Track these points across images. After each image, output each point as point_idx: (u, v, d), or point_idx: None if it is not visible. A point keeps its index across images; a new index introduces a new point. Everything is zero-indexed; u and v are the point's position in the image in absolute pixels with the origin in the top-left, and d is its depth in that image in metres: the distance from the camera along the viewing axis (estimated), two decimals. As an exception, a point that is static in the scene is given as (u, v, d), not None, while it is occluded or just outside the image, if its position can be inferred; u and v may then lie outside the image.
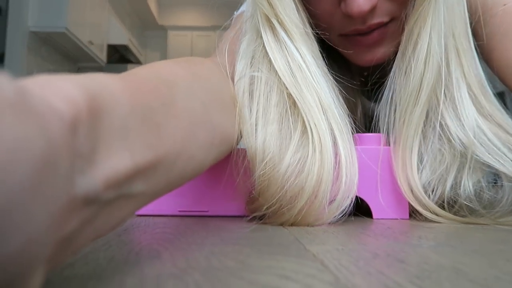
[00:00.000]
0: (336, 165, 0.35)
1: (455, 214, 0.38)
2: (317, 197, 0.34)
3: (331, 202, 0.35)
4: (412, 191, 0.38)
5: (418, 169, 0.38)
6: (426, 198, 0.38)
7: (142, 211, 0.42)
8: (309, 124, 0.36)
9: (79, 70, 3.82)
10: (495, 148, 0.38)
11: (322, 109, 0.36)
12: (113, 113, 0.16)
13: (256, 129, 0.37)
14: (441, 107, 0.39)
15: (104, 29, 3.87)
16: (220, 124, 0.31)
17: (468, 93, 0.39)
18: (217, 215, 0.42)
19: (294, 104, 0.37)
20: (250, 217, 0.37)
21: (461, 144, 0.38)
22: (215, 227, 0.34)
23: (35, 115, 0.10)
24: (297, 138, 0.36)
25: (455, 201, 0.38)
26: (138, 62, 4.58)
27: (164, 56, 5.04)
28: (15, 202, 0.09)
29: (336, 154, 0.36)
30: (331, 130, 0.36)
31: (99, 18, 3.71)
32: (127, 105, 0.18)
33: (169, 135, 0.21)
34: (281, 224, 0.35)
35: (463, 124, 0.38)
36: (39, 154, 0.10)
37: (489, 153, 0.38)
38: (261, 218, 0.37)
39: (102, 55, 3.83)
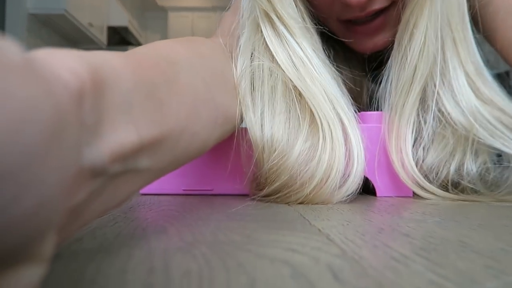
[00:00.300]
0: (346, 152, 0.36)
1: (457, 195, 0.38)
2: (327, 183, 0.34)
3: (340, 186, 0.35)
4: (408, 175, 0.38)
5: (413, 156, 0.39)
6: (424, 181, 0.38)
7: (147, 190, 0.42)
8: (318, 113, 0.36)
9: (79, 52, 3.78)
10: (497, 131, 0.38)
11: (329, 99, 0.36)
12: (116, 87, 0.16)
13: (262, 121, 0.37)
14: (439, 95, 0.39)
15: (104, 10, 3.82)
16: (222, 103, 0.31)
17: (467, 81, 0.39)
18: (222, 194, 0.42)
19: (300, 95, 0.37)
20: (254, 197, 0.38)
21: (463, 128, 0.38)
22: (220, 205, 0.34)
23: (42, 79, 0.10)
24: (306, 127, 0.36)
25: (458, 183, 0.38)
26: (138, 44, 4.54)
27: (164, 37, 4.99)
28: (27, 163, 0.09)
29: (346, 141, 0.36)
30: (340, 119, 0.36)
31: (99, 0, 3.66)
32: (130, 80, 0.18)
33: (173, 112, 0.21)
34: (287, 203, 0.35)
35: (462, 109, 0.39)
36: (50, 116, 0.09)
37: (491, 136, 0.38)
38: (265, 197, 0.37)
39: (102, 37, 3.79)
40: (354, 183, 0.36)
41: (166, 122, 0.20)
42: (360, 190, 0.37)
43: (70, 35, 3.47)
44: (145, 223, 0.25)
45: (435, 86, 0.39)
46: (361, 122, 0.43)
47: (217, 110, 0.29)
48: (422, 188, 0.38)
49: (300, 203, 0.35)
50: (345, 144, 0.36)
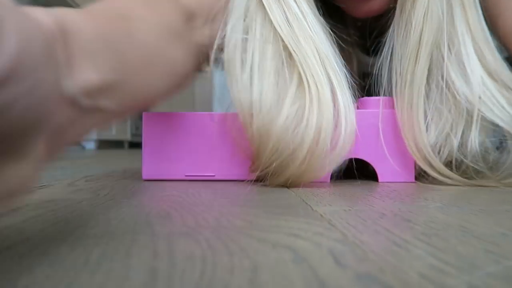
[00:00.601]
0: (335, 113, 0.35)
1: (461, 175, 0.38)
2: (318, 145, 0.34)
3: (332, 149, 0.35)
4: (419, 151, 0.38)
5: (426, 129, 0.38)
6: (434, 158, 0.38)
7: (150, 175, 0.42)
8: (305, 75, 0.35)
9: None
10: (500, 107, 0.37)
11: (320, 59, 0.36)
12: (78, 36, 0.19)
13: (251, 83, 0.36)
14: (445, 62, 0.38)
15: (104, -6, 3.77)
16: (174, 59, 0.32)
17: (474, 48, 0.39)
18: (224, 179, 0.42)
19: (290, 55, 0.36)
20: (252, 179, 0.38)
21: (466, 101, 0.38)
22: (222, 190, 0.34)
23: (33, 18, 0.13)
24: (293, 89, 0.36)
25: (461, 162, 0.38)
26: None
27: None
28: (27, 75, 0.12)
29: (335, 102, 0.36)
30: (329, 79, 0.36)
31: (99, -17, 3.62)
32: (90, 33, 0.20)
33: (129, 62, 0.24)
34: (285, 182, 0.35)
35: (469, 80, 0.38)
36: (43, 41, 0.13)
37: (494, 111, 0.37)
38: (263, 180, 0.37)
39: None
40: (345, 144, 0.35)
41: (124, 70, 0.23)
42: (352, 164, 0.37)
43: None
44: (148, 208, 0.25)
45: (442, 53, 0.38)
46: (361, 108, 0.43)
47: (168, 65, 0.31)
48: (432, 166, 0.38)
49: (298, 176, 0.35)
50: (333, 106, 0.35)
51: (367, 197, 0.30)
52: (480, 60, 0.38)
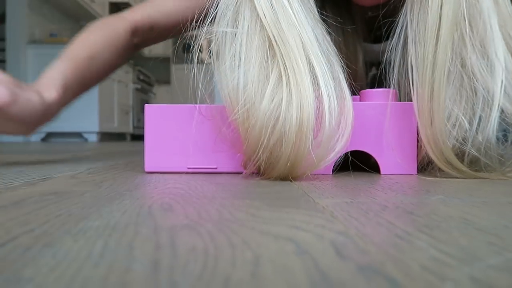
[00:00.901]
0: (317, 105, 0.34)
1: (469, 167, 0.36)
2: (301, 140, 0.33)
3: (318, 145, 0.34)
4: (435, 142, 0.36)
5: (448, 118, 0.36)
6: (449, 149, 0.36)
7: (152, 168, 0.43)
8: (286, 67, 0.34)
9: (81, 29, 3.75)
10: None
11: (303, 50, 0.34)
12: (69, 85, 0.50)
13: (238, 76, 0.36)
14: (466, 42, 0.35)
15: (105, -14, 3.76)
16: (115, 64, 0.60)
17: (499, 25, 0.35)
18: (226, 172, 0.42)
19: (272, 47, 0.35)
20: (247, 173, 0.38)
21: (487, 90, 0.35)
22: (224, 183, 0.35)
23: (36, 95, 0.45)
24: (272, 83, 0.35)
25: (467, 154, 0.37)
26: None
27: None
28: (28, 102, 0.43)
29: (317, 95, 0.34)
30: (312, 70, 0.34)
31: (100, -25, 3.60)
32: (73, 81, 0.51)
33: (92, 83, 0.57)
34: (278, 178, 0.35)
35: (493, 66, 0.35)
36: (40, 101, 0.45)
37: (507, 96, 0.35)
38: (258, 173, 0.37)
39: (104, 13, 3.74)
40: (329, 140, 0.34)
41: (84, 89, 0.55)
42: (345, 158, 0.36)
43: (72, 11, 3.43)
44: (151, 201, 0.26)
45: (462, 31, 0.35)
46: (364, 100, 0.42)
47: (110, 66, 0.59)
48: (444, 157, 0.36)
49: (289, 172, 0.34)
50: (315, 99, 0.34)
51: (369, 190, 0.30)
52: (504, 40, 0.35)
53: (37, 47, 2.86)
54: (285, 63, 0.34)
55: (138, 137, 3.77)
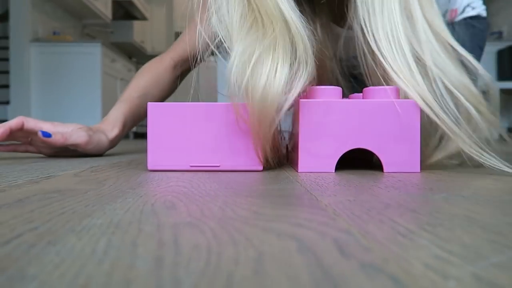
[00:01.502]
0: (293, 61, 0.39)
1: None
2: (273, 87, 0.38)
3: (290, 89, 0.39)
4: (425, 98, 0.41)
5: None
6: (434, 102, 0.41)
7: (155, 166, 0.43)
8: (261, 16, 0.39)
9: (84, 27, 3.75)
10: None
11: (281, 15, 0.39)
12: (127, 122, 0.68)
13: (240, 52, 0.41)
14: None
15: (108, -16, 3.76)
16: (164, 95, 0.75)
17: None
18: (229, 170, 0.42)
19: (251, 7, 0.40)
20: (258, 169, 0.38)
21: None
22: (227, 181, 0.35)
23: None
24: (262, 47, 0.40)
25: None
26: (143, 18, 4.48)
27: (170, 11, 4.91)
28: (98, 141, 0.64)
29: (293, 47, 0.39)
30: (286, 22, 0.39)
31: (103, -27, 3.60)
32: (130, 118, 0.69)
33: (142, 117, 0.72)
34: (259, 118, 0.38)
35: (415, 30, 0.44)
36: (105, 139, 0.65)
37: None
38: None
39: (107, 11, 3.74)
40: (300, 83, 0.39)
41: (141, 119, 0.73)
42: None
43: (75, 10, 3.43)
44: (154, 199, 0.26)
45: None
46: (366, 97, 0.42)
47: (160, 97, 0.75)
48: (432, 110, 0.40)
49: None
50: (292, 53, 0.39)
51: (372, 188, 0.30)
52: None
53: (40, 45, 2.86)
54: (261, 14, 0.40)
55: (141, 135, 3.77)
